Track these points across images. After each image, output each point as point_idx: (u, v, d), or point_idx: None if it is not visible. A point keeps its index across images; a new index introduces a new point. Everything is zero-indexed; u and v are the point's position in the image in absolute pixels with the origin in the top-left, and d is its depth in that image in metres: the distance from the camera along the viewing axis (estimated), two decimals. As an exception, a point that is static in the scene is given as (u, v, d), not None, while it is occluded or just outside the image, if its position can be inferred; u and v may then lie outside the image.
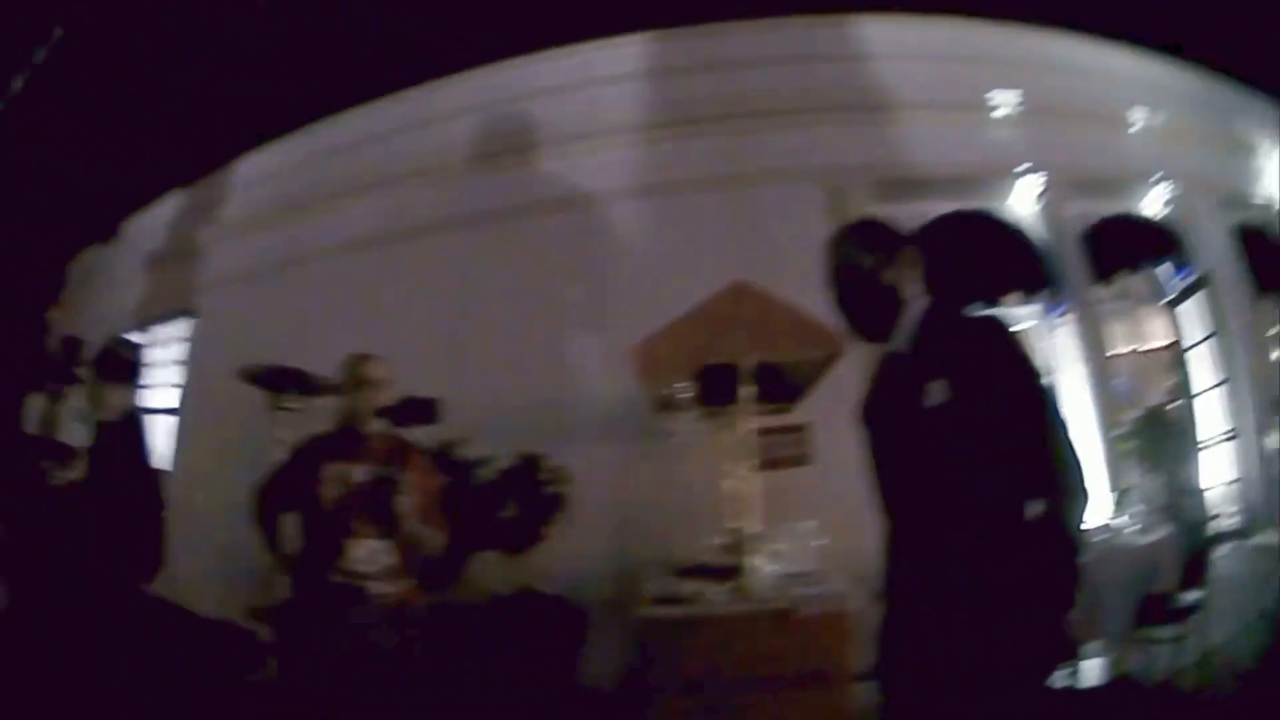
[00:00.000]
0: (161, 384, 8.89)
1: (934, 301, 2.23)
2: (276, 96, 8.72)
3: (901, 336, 2.17)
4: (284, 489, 3.54)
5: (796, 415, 5.77)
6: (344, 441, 3.52)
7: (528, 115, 7.71)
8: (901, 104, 8.20)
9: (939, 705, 1.93)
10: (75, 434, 3.04)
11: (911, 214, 7.66)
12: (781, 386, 5.14)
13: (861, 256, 2.19)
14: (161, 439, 8.31)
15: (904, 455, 2.12)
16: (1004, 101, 8.84)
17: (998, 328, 2.14)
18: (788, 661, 3.91)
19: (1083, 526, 1.95)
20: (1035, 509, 1.90)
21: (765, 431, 6.00)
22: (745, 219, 6.96)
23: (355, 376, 3.54)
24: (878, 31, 8.60)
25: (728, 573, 4.41)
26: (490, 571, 5.76)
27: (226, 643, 5.17)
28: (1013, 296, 8.14)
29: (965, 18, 9.19)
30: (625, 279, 6.85)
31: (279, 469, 3.64)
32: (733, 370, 4.46)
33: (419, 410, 3.55)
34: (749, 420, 4.75)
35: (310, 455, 3.53)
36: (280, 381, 5.70)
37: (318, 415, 4.24)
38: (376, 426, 3.59)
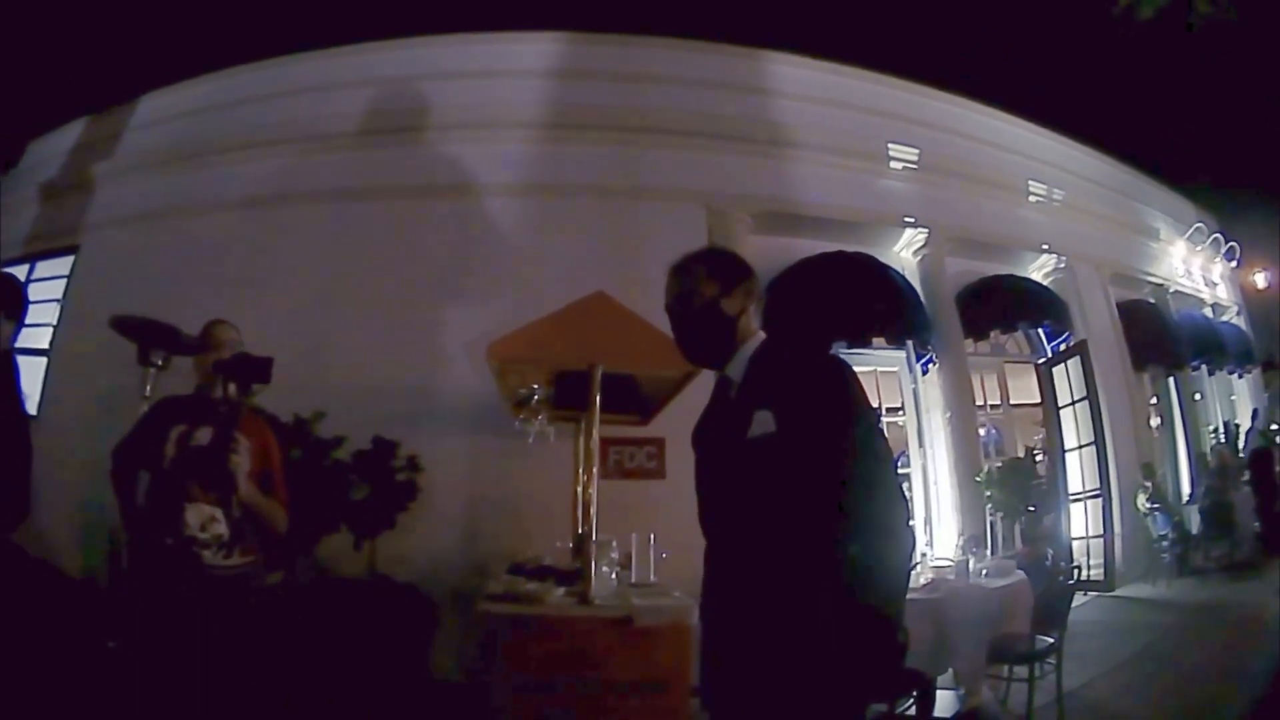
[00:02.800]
0: (36, 323, 8.59)
1: (775, 335, 2.25)
2: (188, 36, 8.53)
3: (738, 365, 2.16)
4: (136, 450, 3.50)
5: (652, 429, 5.84)
6: (193, 405, 3.49)
7: (428, 96, 7.65)
8: (801, 143, 8.38)
9: None
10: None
11: (792, 249, 8.10)
12: (635, 399, 5.23)
13: (703, 284, 2.19)
14: (30, 381, 8.06)
15: (724, 481, 2.14)
16: (902, 155, 9.09)
17: (829, 367, 2.10)
18: (626, 669, 3.93)
19: (898, 568, 1.98)
20: (852, 545, 1.91)
21: (618, 442, 6.09)
22: (626, 231, 7.04)
23: (207, 339, 3.55)
24: (790, 70, 8.78)
25: (571, 576, 4.42)
26: (340, 554, 5.71)
27: (84, 603, 5.01)
28: (876, 340, 8.32)
29: (879, 71, 9.46)
30: (498, 273, 6.87)
31: (133, 429, 3.59)
32: (586, 377, 4.45)
33: (254, 368, 3.49)
34: (599, 429, 4.77)
35: (161, 417, 3.49)
36: (150, 335, 5.54)
37: (182, 375, 4.18)
38: (220, 391, 3.56)
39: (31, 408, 7.87)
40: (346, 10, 8.04)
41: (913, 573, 5.12)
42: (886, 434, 2.13)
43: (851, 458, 1.95)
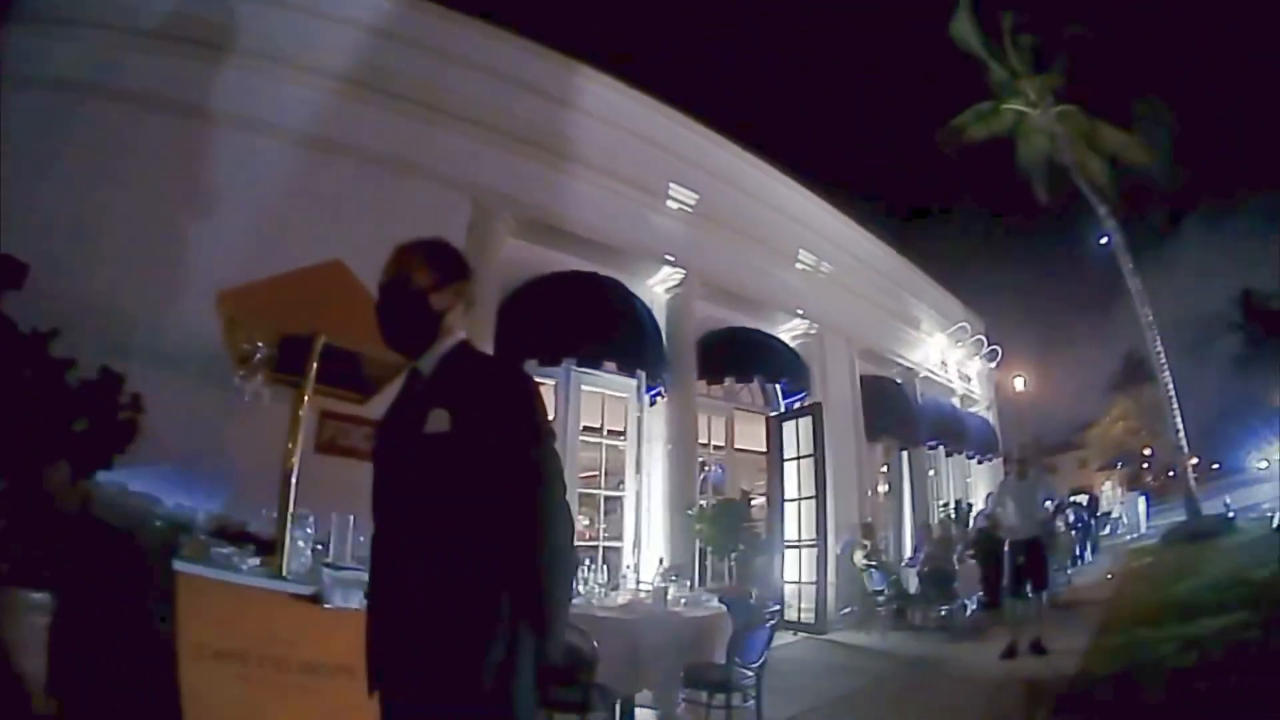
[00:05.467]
0: None
1: (505, 346, 2.28)
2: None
3: (430, 360, 2.18)
4: None
5: (373, 410, 5.28)
6: None
7: (236, 15, 6.84)
8: (586, 161, 8.54)
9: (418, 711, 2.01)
10: None
11: (547, 260, 8.28)
12: (357, 377, 5.09)
13: (420, 272, 2.18)
14: None
15: (393, 471, 2.13)
16: (681, 196, 9.55)
17: (518, 382, 2.14)
18: (312, 648, 3.73)
19: (565, 582, 2.10)
20: (521, 557, 1.98)
21: (337, 417, 5.99)
22: (389, 205, 6.77)
23: None
24: (599, 88, 8.99)
25: (267, 546, 4.21)
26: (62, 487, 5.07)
27: None
28: (608, 365, 8.62)
29: (687, 112, 9.90)
30: (254, 217, 6.34)
31: None
32: (308, 344, 4.32)
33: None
34: (319, 400, 4.61)
35: None
36: None
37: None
38: None
39: None
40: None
41: (604, 591, 5.45)
42: (560, 455, 2.20)
43: (526, 472, 2.00)
